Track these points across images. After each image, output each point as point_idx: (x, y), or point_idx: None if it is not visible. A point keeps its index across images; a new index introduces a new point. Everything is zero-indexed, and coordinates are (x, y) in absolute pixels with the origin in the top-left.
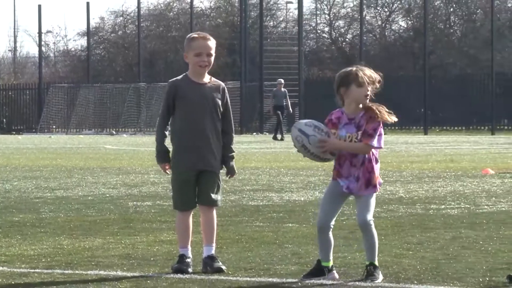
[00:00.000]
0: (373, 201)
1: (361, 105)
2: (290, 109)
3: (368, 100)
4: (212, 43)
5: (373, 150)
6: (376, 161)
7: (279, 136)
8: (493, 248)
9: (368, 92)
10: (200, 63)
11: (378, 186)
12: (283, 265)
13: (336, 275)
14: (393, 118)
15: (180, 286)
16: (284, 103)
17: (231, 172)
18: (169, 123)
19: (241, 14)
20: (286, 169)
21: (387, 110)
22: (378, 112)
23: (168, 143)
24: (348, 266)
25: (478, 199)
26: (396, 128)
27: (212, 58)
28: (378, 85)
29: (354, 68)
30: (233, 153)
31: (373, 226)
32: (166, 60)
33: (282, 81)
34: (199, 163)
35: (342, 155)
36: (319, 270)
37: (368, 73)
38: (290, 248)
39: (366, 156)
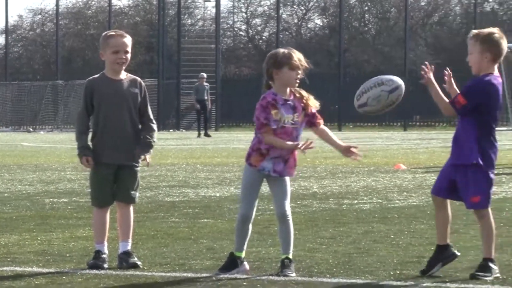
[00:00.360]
0: (289, 187)
1: (288, 89)
2: (209, 104)
3: (297, 83)
4: (128, 40)
5: None
6: None
7: (206, 132)
8: (404, 242)
9: (299, 76)
10: (117, 60)
11: None
12: (198, 260)
13: (247, 267)
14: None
15: (95, 282)
16: (206, 98)
17: (144, 149)
18: (89, 120)
19: (159, 12)
20: (202, 166)
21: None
22: (307, 100)
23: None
24: (262, 260)
25: (390, 194)
26: None
27: (129, 55)
28: (304, 71)
29: (287, 51)
30: (152, 141)
31: (290, 218)
32: (84, 58)
33: (205, 75)
34: (119, 158)
35: (278, 135)
36: (233, 261)
37: (300, 57)
38: (205, 243)
39: (297, 137)
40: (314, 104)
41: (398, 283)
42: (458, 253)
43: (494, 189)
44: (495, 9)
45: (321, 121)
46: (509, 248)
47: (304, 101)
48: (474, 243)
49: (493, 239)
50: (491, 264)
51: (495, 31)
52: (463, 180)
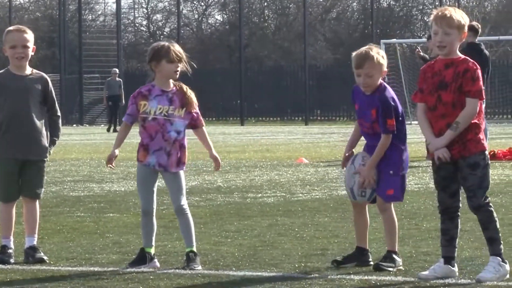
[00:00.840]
0: (183, 181)
1: (172, 82)
2: (123, 100)
3: (177, 75)
4: (28, 35)
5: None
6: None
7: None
8: (308, 234)
9: (178, 69)
10: (15, 55)
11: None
12: (104, 254)
13: (157, 264)
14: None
15: (2, 277)
16: (118, 93)
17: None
18: None
19: (60, 7)
20: (105, 160)
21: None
22: (189, 100)
23: None
24: (168, 254)
25: (293, 188)
26: (214, 119)
27: (29, 50)
28: (186, 64)
29: (166, 44)
30: (57, 139)
31: (188, 212)
32: None
33: (117, 70)
34: (24, 153)
35: (152, 127)
36: (142, 257)
37: (179, 50)
38: (111, 237)
39: (181, 136)
40: (195, 102)
41: (303, 275)
42: (372, 263)
43: None
44: (392, 5)
45: (203, 123)
46: (410, 240)
47: (186, 96)
48: (376, 235)
49: (396, 231)
50: (395, 256)
51: None
52: (382, 175)
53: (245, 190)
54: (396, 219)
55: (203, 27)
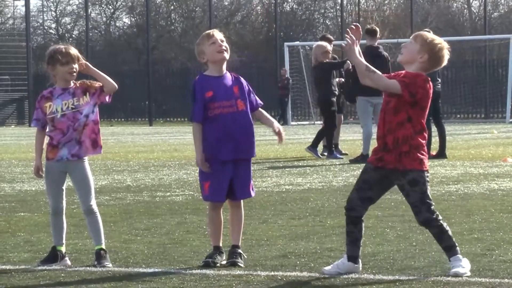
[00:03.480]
0: (92, 181)
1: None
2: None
3: (74, 76)
4: None
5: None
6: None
7: None
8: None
9: (74, 69)
10: None
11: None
12: (16, 252)
13: (68, 262)
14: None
15: None
16: None
17: None
18: None
19: None
20: (17, 160)
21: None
22: (89, 84)
23: None
24: (79, 252)
25: None
26: (122, 120)
27: None
28: (83, 61)
29: (58, 48)
30: None
31: (97, 211)
32: None
33: None
34: None
35: (63, 123)
36: (54, 255)
37: (73, 52)
38: (23, 236)
39: (91, 117)
40: (95, 83)
41: (211, 271)
42: (224, 261)
43: (299, 180)
44: (295, 9)
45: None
46: (315, 236)
47: (85, 85)
48: (282, 232)
49: (242, 226)
50: (240, 251)
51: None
52: (245, 173)
53: (154, 189)
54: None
55: (111, 30)
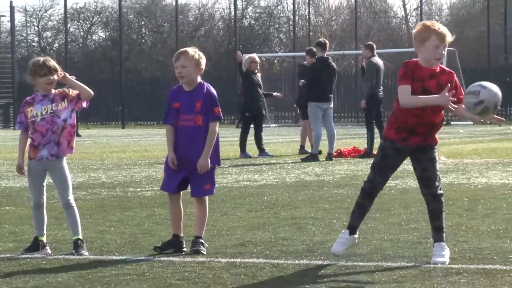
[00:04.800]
0: (69, 178)
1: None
2: None
3: (52, 86)
4: None
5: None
6: (73, 126)
7: None
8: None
9: (52, 80)
10: None
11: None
12: (1, 242)
13: (49, 251)
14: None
15: None
16: None
17: None
18: None
19: None
20: (2, 160)
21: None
22: (67, 91)
23: None
24: (59, 242)
25: None
26: (98, 123)
27: None
28: (60, 72)
29: (37, 60)
30: None
31: (74, 205)
32: None
33: None
34: None
35: (42, 126)
36: (36, 245)
37: (52, 64)
38: (8, 228)
39: (69, 121)
40: (73, 91)
41: (177, 259)
42: (185, 248)
43: (256, 176)
44: (252, 24)
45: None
46: (270, 227)
47: (64, 93)
48: (240, 223)
49: (206, 219)
50: (202, 241)
51: None
52: (199, 175)
53: (126, 185)
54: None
55: (88, 43)
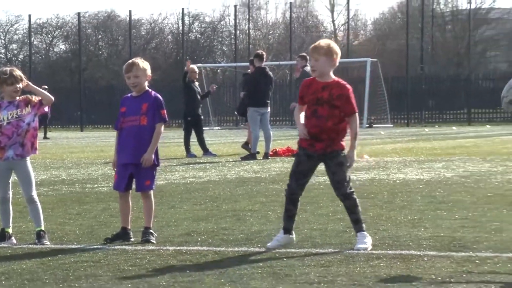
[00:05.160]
0: (33, 175)
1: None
2: None
3: (18, 93)
4: None
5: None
6: (36, 129)
7: None
8: (133, 216)
9: (18, 88)
10: None
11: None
12: None
13: (14, 241)
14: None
15: None
16: None
17: None
18: None
19: None
20: None
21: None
22: (31, 98)
23: None
24: (23, 233)
25: None
26: (59, 127)
27: None
28: (25, 81)
29: (5, 69)
30: None
31: (37, 200)
32: None
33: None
34: None
35: (8, 130)
36: (2, 235)
37: (17, 73)
38: None
39: (32, 125)
40: (36, 98)
41: (129, 247)
42: (132, 238)
43: (201, 173)
44: (198, 37)
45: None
46: (213, 218)
47: (28, 99)
48: (186, 215)
49: (153, 212)
50: (151, 231)
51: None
52: (142, 172)
53: (84, 182)
54: (153, 202)
55: (50, 54)
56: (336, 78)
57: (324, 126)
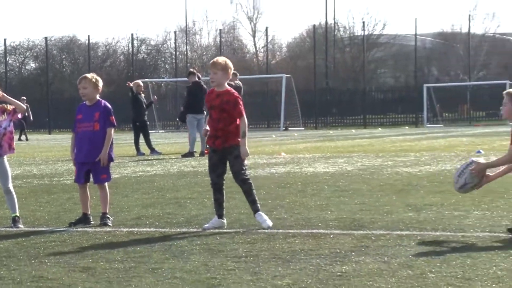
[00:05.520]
0: (9, 170)
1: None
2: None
3: None
4: None
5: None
6: (12, 133)
7: None
8: (93, 203)
9: None
10: None
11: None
12: None
13: None
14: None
15: None
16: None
17: None
18: None
19: None
20: None
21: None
22: (6, 107)
23: None
24: (1, 218)
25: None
26: (31, 131)
27: None
28: (1, 94)
29: None
30: None
31: (13, 190)
32: None
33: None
34: None
35: None
36: None
37: None
38: None
39: (8, 129)
40: (10, 106)
41: (90, 229)
42: (92, 222)
43: (148, 168)
44: (145, 57)
45: (17, 112)
46: (159, 205)
47: (4, 108)
48: (137, 203)
49: (108, 200)
50: (108, 216)
51: None
52: (98, 168)
53: (52, 176)
54: (108, 192)
55: (22, 71)
56: (228, 88)
57: (217, 127)
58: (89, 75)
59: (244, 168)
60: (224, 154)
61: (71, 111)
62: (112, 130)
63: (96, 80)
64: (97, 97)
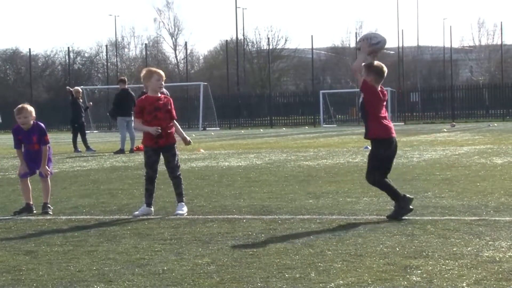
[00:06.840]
0: None
1: None
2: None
3: None
4: None
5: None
6: None
7: None
8: (35, 194)
9: None
10: None
11: None
12: None
13: None
14: None
15: None
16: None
17: None
18: None
19: None
20: None
21: None
22: None
23: None
24: None
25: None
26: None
27: None
28: None
29: None
30: None
31: None
32: None
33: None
34: None
35: None
36: None
37: None
38: None
39: None
40: None
41: (33, 217)
42: (35, 211)
43: (84, 164)
44: (80, 67)
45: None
46: (94, 195)
47: None
48: (75, 193)
49: (50, 191)
50: (49, 205)
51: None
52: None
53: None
54: (50, 185)
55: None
56: (165, 90)
57: (163, 126)
58: (28, 106)
59: (179, 164)
60: (163, 152)
61: (12, 115)
62: (47, 147)
63: (31, 109)
64: (32, 122)
